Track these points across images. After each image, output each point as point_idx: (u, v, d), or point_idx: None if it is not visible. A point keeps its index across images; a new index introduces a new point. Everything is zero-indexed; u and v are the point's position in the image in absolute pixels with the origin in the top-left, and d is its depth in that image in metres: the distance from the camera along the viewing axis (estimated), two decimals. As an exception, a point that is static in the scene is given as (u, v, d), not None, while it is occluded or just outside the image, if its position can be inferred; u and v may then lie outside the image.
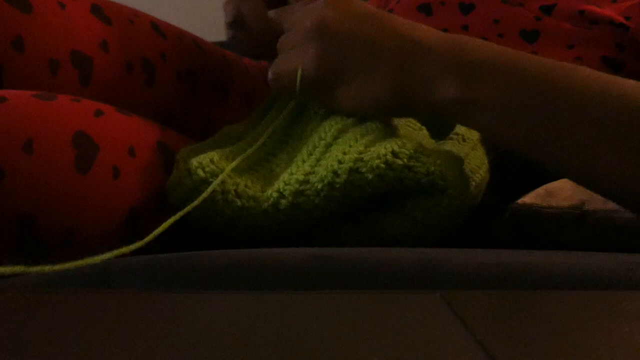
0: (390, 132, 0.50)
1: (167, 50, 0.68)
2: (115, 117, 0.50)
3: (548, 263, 0.37)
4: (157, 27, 0.69)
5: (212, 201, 0.48)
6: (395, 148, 0.46)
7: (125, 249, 0.37)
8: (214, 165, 0.49)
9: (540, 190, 0.56)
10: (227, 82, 0.76)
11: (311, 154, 0.50)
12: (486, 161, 0.56)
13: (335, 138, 0.50)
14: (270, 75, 0.54)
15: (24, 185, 0.42)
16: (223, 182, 0.48)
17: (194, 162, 0.49)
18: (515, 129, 0.47)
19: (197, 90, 0.71)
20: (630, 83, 0.47)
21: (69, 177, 0.44)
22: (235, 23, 0.67)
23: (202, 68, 0.72)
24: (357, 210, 0.50)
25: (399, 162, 0.46)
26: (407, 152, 0.46)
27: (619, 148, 0.45)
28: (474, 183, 0.52)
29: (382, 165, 0.46)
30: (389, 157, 0.46)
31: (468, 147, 0.56)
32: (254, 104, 0.78)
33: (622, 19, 0.67)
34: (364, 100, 0.50)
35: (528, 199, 0.55)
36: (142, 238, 0.48)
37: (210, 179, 0.48)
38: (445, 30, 0.70)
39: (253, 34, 0.66)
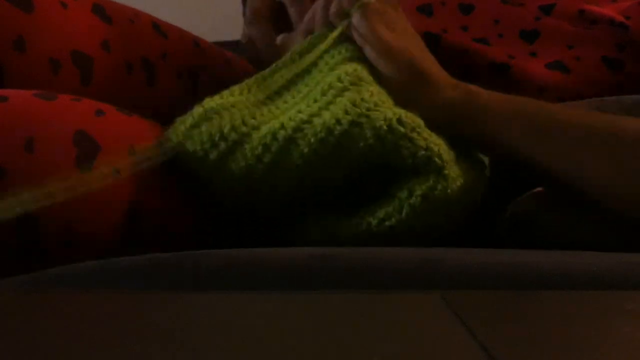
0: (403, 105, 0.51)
1: (168, 50, 0.68)
2: (115, 116, 0.51)
3: (548, 263, 0.37)
4: (158, 27, 0.69)
5: (211, 143, 0.48)
6: (403, 116, 0.47)
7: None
8: (218, 100, 0.50)
9: (540, 189, 0.56)
10: (227, 82, 0.76)
11: (324, 94, 0.50)
12: (487, 159, 0.56)
13: (353, 84, 0.50)
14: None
15: (25, 184, 0.43)
16: (222, 116, 0.49)
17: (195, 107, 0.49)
18: (510, 132, 0.50)
19: (197, 90, 0.71)
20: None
21: (69, 177, 0.45)
22: (248, 45, 0.67)
23: (203, 68, 0.72)
24: (348, 199, 0.49)
25: (401, 129, 0.46)
26: (412, 124, 0.47)
27: (603, 153, 0.49)
28: (473, 174, 0.52)
29: (385, 127, 0.46)
30: (394, 122, 0.46)
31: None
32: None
33: (622, 19, 0.67)
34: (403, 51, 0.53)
35: (528, 198, 0.55)
36: (142, 238, 0.48)
37: (213, 115, 0.49)
38: (444, 30, 0.70)
39: (264, 56, 0.67)
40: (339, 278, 0.36)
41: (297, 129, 0.47)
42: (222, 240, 0.51)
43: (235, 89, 0.53)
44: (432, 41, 0.68)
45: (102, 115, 0.49)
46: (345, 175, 0.49)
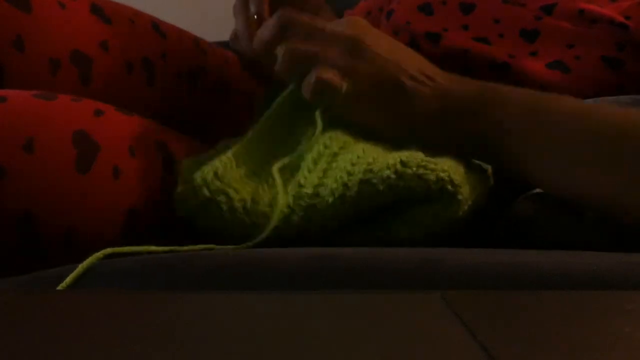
0: (395, 149, 0.51)
1: (168, 50, 0.68)
2: (115, 116, 0.51)
3: (548, 263, 0.37)
4: (158, 27, 0.69)
5: (222, 218, 0.47)
6: (404, 158, 0.47)
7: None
8: (218, 182, 0.48)
9: (540, 190, 0.56)
10: (227, 82, 0.76)
11: (316, 163, 0.50)
12: (489, 167, 0.56)
13: (341, 148, 0.50)
14: (308, 85, 0.52)
15: (25, 184, 0.43)
16: (230, 198, 0.47)
17: (198, 178, 0.48)
18: (511, 138, 0.50)
19: (197, 90, 0.71)
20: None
21: (69, 177, 0.45)
22: (233, 41, 0.66)
23: (202, 68, 0.72)
24: (366, 216, 0.50)
25: (409, 171, 0.46)
26: (416, 161, 0.47)
27: (606, 160, 0.48)
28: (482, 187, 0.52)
29: (393, 175, 0.46)
30: (399, 166, 0.46)
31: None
32: (254, 103, 0.78)
33: (621, 19, 0.67)
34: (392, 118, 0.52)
35: (528, 198, 0.55)
36: (142, 237, 0.48)
37: (218, 198, 0.47)
38: (445, 30, 0.70)
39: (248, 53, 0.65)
40: (339, 278, 0.36)
41: (308, 207, 0.47)
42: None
43: (225, 159, 0.50)
44: (432, 40, 0.68)
45: (101, 115, 0.49)
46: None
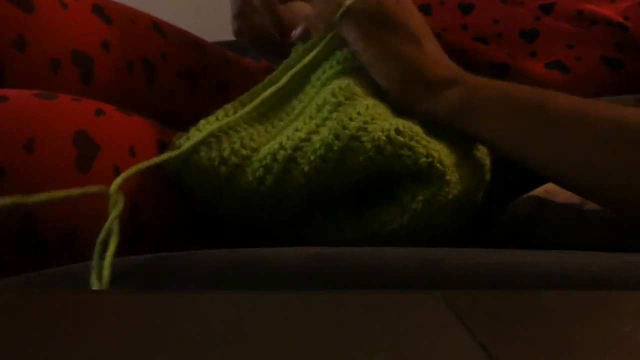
0: (399, 114, 0.51)
1: (168, 50, 0.68)
2: (115, 116, 0.51)
3: (548, 263, 0.37)
4: (158, 27, 0.69)
5: (209, 159, 0.48)
6: (400, 126, 0.47)
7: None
8: (209, 126, 0.49)
9: (540, 190, 0.56)
10: (227, 82, 0.76)
11: (320, 110, 0.50)
12: (488, 161, 0.56)
13: (348, 99, 0.50)
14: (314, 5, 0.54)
15: (25, 184, 0.43)
16: (220, 139, 0.49)
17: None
18: (510, 130, 0.49)
19: (197, 90, 0.71)
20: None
21: (69, 177, 0.45)
22: (241, 14, 0.66)
23: (203, 68, 0.72)
24: (353, 202, 0.50)
25: (400, 139, 0.46)
26: (410, 133, 0.47)
27: (603, 144, 0.47)
28: (475, 177, 0.52)
29: (384, 138, 0.46)
30: (392, 132, 0.46)
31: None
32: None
33: (620, 19, 0.67)
34: (392, 57, 0.51)
35: (528, 198, 0.55)
36: (142, 237, 0.48)
37: (209, 139, 0.49)
38: (444, 30, 0.70)
39: (261, 23, 0.65)
40: (339, 278, 0.36)
41: (297, 148, 0.47)
42: (222, 240, 0.51)
43: (229, 107, 0.53)
44: None
45: (102, 115, 0.49)
46: (349, 185, 0.49)
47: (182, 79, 0.69)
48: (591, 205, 0.53)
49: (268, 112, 0.54)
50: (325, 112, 0.49)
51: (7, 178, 0.42)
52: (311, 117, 0.49)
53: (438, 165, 0.46)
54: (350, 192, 0.50)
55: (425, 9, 0.73)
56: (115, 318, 0.27)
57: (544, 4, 0.70)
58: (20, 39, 0.55)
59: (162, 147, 0.52)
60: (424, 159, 0.46)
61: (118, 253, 0.39)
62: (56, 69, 0.57)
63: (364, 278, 0.36)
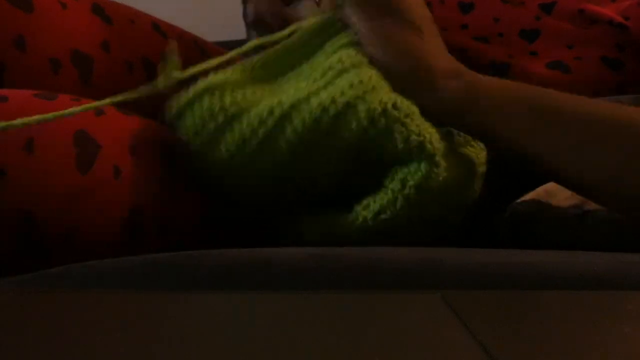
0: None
1: (168, 50, 0.68)
2: (115, 116, 0.51)
3: (548, 263, 0.37)
4: (158, 27, 0.69)
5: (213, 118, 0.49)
6: (398, 102, 0.47)
7: None
8: (246, 102, 0.49)
9: (540, 190, 0.56)
10: None
11: (324, 74, 0.50)
12: (483, 156, 0.55)
13: (354, 66, 0.49)
14: None
15: (25, 184, 0.43)
16: (224, 90, 0.49)
17: (228, 98, 0.49)
18: (512, 127, 0.49)
19: (197, 90, 0.71)
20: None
21: (69, 176, 0.44)
22: (257, 23, 0.67)
23: (203, 68, 0.72)
24: (342, 199, 0.49)
25: (395, 113, 0.46)
26: (406, 110, 0.47)
27: (606, 148, 0.47)
28: (467, 169, 0.51)
29: (379, 110, 0.46)
30: (389, 106, 0.46)
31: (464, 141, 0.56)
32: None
33: (621, 19, 0.67)
34: (393, 45, 0.51)
35: (528, 198, 0.55)
36: (142, 237, 0.48)
37: (202, 95, 0.49)
38: (444, 29, 0.70)
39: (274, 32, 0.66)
40: (339, 278, 0.36)
41: (293, 106, 0.47)
42: (223, 240, 0.51)
43: (239, 67, 0.53)
44: None
45: (102, 115, 0.49)
46: (337, 165, 0.49)
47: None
48: (591, 205, 0.53)
49: (277, 75, 0.54)
50: (329, 77, 0.49)
51: (7, 178, 0.42)
52: (315, 80, 0.50)
53: (428, 145, 0.46)
54: (336, 184, 0.50)
55: (425, 9, 0.73)
56: (115, 318, 0.27)
57: (544, 3, 0.70)
58: (20, 38, 0.55)
59: (162, 146, 0.52)
60: (415, 137, 0.46)
61: (119, 253, 0.39)
62: (56, 68, 0.57)
63: (365, 278, 0.36)
